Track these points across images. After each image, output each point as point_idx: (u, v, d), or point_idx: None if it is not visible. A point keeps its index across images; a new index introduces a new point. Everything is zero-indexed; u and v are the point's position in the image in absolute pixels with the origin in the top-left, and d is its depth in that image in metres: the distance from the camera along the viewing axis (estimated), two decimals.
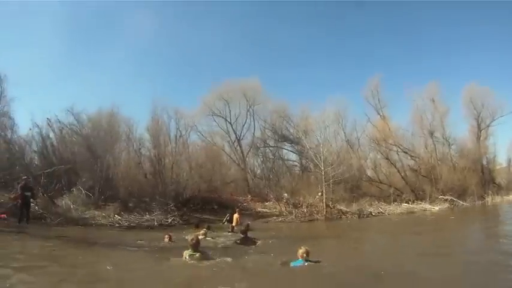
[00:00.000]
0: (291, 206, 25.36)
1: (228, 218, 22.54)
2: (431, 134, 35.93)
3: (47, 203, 19.62)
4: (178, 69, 64.27)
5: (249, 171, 36.54)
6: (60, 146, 26.10)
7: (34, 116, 25.58)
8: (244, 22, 69.19)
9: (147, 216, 21.42)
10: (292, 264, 8.62)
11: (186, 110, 33.60)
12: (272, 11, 69.77)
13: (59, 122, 25.97)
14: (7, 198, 17.96)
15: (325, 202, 24.83)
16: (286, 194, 27.05)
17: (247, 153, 37.67)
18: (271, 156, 37.31)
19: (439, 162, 34.90)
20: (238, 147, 37.69)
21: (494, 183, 38.21)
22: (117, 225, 19.50)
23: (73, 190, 21.79)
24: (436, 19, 60.72)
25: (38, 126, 25.20)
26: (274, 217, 24.81)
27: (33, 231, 14.60)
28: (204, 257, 9.14)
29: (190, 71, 64.50)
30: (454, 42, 60.66)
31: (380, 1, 64.74)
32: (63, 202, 20.44)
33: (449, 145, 36.87)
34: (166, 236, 14.12)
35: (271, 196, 28.69)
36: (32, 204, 17.01)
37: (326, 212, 24.43)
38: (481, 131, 37.89)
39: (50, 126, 25.66)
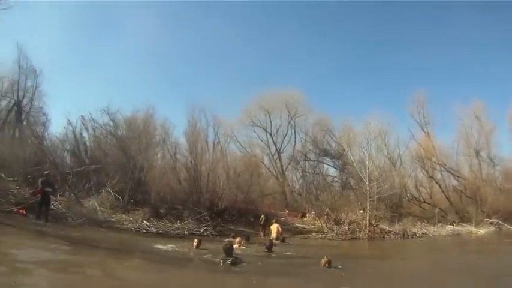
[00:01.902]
0: (332, 222, 23.75)
1: (262, 222, 21.75)
2: (477, 153, 33.28)
3: (72, 202, 18.41)
4: (217, 74, 62.75)
5: (288, 185, 34.63)
6: (93, 145, 25.27)
7: (68, 113, 24.89)
8: (288, 34, 66.74)
9: (178, 224, 19.87)
10: None
11: (224, 118, 31.90)
12: (315, 25, 67.94)
13: (93, 121, 25.09)
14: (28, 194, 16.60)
15: (369, 220, 22.95)
16: (328, 210, 25.29)
17: (287, 167, 35.90)
18: (311, 171, 35.25)
19: (484, 183, 32.06)
20: (277, 160, 36.01)
21: None
22: (144, 231, 17.99)
23: (101, 191, 20.53)
24: (481, 38, 57.08)
25: (71, 124, 24.28)
26: (314, 233, 23.14)
27: (47, 230, 13.37)
28: (237, 262, 9.38)
29: (230, 77, 62.84)
30: (499, 60, 56.30)
31: (425, 17, 62.43)
32: (90, 203, 19.19)
33: (494, 165, 33.96)
34: (196, 239, 13.19)
35: (312, 212, 27.19)
36: (52, 202, 15.76)
37: (369, 230, 22.67)
38: None
39: (84, 125, 24.81)
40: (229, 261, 9.30)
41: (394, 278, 10.20)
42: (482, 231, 26.21)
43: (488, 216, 28.43)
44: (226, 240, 14.18)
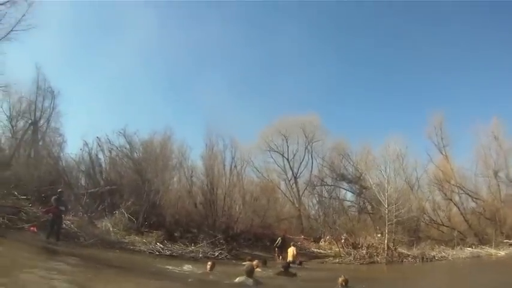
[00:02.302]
0: (349, 247, 23.43)
1: (278, 244, 21.51)
2: (496, 174, 32.12)
3: (85, 222, 18.12)
4: (235, 100, 62.78)
5: (304, 210, 33.96)
6: (108, 167, 25.15)
7: (85, 134, 24.93)
8: (306, 60, 66.91)
9: (192, 247, 19.47)
10: None
11: (241, 142, 31.50)
12: (332, 49, 67.87)
13: (109, 142, 25.03)
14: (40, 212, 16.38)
15: (387, 244, 22.52)
16: (345, 235, 25.06)
17: (303, 192, 35.30)
18: (327, 196, 34.58)
19: (502, 204, 30.84)
20: (294, 185, 35.46)
21: None
22: (157, 253, 17.58)
23: (115, 213, 20.28)
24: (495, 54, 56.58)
25: (87, 145, 24.25)
26: (331, 258, 22.89)
27: (58, 248, 13.09)
28: (257, 283, 9.32)
29: (247, 102, 62.67)
30: None
31: (437, 37, 61.01)
32: (103, 224, 18.98)
33: None
34: (210, 262, 12.58)
35: (329, 236, 26.86)
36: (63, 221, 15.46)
37: (387, 254, 22.19)
38: None
39: (100, 146, 24.80)
40: (251, 281, 9.13)
41: None
42: (502, 252, 25.51)
43: (508, 238, 27.66)
44: (246, 262, 13.78)
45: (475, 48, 57.57)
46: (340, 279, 9.88)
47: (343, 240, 24.29)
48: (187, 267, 13.50)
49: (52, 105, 25.03)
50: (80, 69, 51.52)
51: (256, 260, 14.72)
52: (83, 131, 26.06)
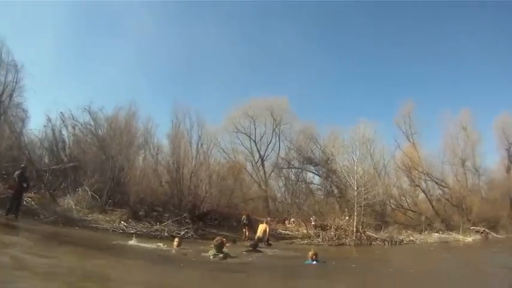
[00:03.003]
0: (318, 228, 23.71)
1: (244, 221, 21.59)
2: (463, 162, 33.63)
3: (47, 200, 17.53)
4: (202, 78, 62.31)
5: (271, 192, 34.05)
6: (72, 143, 24.36)
7: (48, 110, 24.21)
8: (277, 40, 66.80)
9: (158, 226, 19.15)
10: (305, 262, 10.67)
11: (208, 124, 30.92)
12: (305, 33, 68.06)
13: (73, 118, 24.21)
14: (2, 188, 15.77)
15: (356, 226, 22.77)
16: (314, 217, 25.37)
17: (270, 174, 35.41)
18: (294, 179, 34.75)
19: (469, 192, 32.39)
20: (261, 167, 35.49)
21: None
22: (120, 231, 17.19)
23: (78, 190, 19.79)
24: (469, 47, 58.29)
25: (50, 120, 23.48)
26: (299, 239, 22.91)
27: (18, 224, 12.76)
28: (227, 256, 9.84)
29: (214, 83, 62.20)
30: (487, 69, 57.71)
31: (411, 29, 64.63)
32: (65, 202, 18.50)
33: (479, 175, 34.51)
34: (177, 239, 13.00)
35: (292, 219, 27.42)
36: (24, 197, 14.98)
37: (356, 236, 22.47)
38: (511, 163, 35.14)
39: (63, 122, 23.95)
40: (220, 255, 9.62)
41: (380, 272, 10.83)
42: (469, 238, 26.59)
43: (474, 225, 28.90)
44: (217, 237, 13.76)
45: (449, 43, 60.11)
46: (310, 253, 10.59)
47: (313, 223, 24.65)
48: (152, 244, 13.38)
49: (15, 79, 23.82)
50: (46, 45, 49.10)
51: (225, 239, 14.65)
52: (47, 106, 24.73)
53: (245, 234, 21.16)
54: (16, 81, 23.74)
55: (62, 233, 13.11)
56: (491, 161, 37.58)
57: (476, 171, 34.20)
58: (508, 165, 35.21)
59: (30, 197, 16.38)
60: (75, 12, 52.89)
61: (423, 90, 59.53)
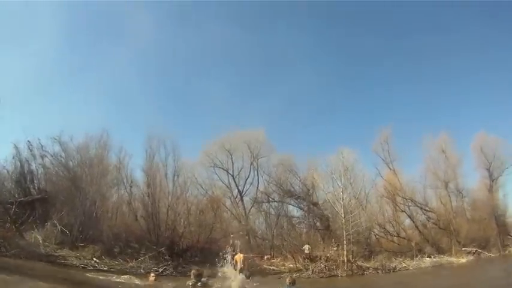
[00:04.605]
0: (306, 260, 22.91)
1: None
2: (446, 184, 33.54)
3: (11, 233, 16.00)
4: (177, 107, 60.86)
5: (251, 228, 32.79)
6: (41, 175, 22.95)
7: (16, 139, 22.85)
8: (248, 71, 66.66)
9: (133, 263, 17.83)
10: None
11: (185, 158, 29.60)
12: (277, 60, 68.08)
13: (42, 148, 22.86)
14: None
15: (346, 256, 22.32)
16: (308, 246, 24.53)
17: (250, 209, 34.18)
18: (274, 213, 33.65)
19: (454, 214, 32.43)
20: (240, 202, 34.26)
21: (509, 235, 35.07)
22: (91, 268, 15.80)
23: (47, 224, 18.40)
24: (444, 68, 59.92)
25: (18, 149, 22.09)
26: (286, 273, 21.19)
27: None
28: (205, 285, 9.84)
29: (190, 111, 60.64)
30: (464, 92, 58.93)
31: (388, 53, 63.97)
32: (33, 236, 17.16)
33: (462, 197, 34.65)
34: (152, 273, 13.00)
35: (285, 251, 25.81)
36: None
37: (347, 267, 21.85)
38: (493, 181, 35.46)
39: (31, 152, 22.48)
40: (198, 284, 9.47)
41: None
42: (463, 260, 26.77)
43: (465, 246, 28.87)
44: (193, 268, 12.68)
45: (424, 66, 60.81)
46: (287, 279, 10.53)
47: (307, 251, 23.93)
48: (124, 277, 12.20)
49: None
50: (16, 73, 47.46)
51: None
52: (16, 135, 23.39)
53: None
54: None
55: (27, 266, 11.73)
56: (473, 181, 37.85)
57: (459, 192, 34.37)
58: (490, 184, 35.48)
59: None
60: (48, 35, 51.55)
61: (401, 114, 59.34)
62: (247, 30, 66.26)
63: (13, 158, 22.33)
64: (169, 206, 23.52)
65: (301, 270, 22.09)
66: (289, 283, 10.37)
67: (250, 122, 54.43)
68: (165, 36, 62.61)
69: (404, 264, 24.70)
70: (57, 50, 54.33)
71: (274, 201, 33.81)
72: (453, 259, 26.74)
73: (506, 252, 30.94)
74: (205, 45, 64.46)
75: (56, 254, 16.24)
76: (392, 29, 64.84)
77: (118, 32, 59.09)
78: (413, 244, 28.87)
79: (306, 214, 32.99)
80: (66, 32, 52.47)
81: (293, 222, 33.34)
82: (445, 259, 26.73)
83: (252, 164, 35.37)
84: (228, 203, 34.04)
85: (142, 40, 60.33)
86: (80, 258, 16.58)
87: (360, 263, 23.21)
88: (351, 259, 22.50)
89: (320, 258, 22.57)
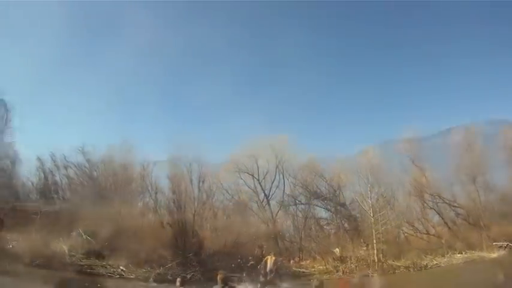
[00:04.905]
0: (337, 261, 23.04)
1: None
2: (474, 179, 32.19)
3: (37, 243, 16.21)
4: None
5: (279, 231, 32.45)
6: (65, 185, 23.25)
7: (41, 151, 23.55)
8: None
9: (161, 270, 18.00)
10: None
11: (211, 165, 29.74)
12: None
13: (65, 159, 23.32)
14: None
15: (376, 255, 22.42)
16: (337, 249, 24.67)
17: (277, 213, 33.82)
18: (301, 215, 33.30)
19: (483, 209, 31.06)
20: (266, 206, 33.95)
21: None
22: (117, 276, 15.81)
23: (73, 234, 18.44)
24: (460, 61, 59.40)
25: (41, 161, 22.31)
26: (316, 275, 21.37)
27: None
28: None
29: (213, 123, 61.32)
30: (491, 83, 58.02)
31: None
32: (59, 245, 17.37)
33: (490, 190, 32.61)
34: (179, 278, 12.05)
35: (314, 253, 26.27)
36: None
37: (378, 266, 21.98)
38: None
39: (55, 163, 22.62)
40: None
41: None
42: (494, 254, 26.11)
43: (496, 241, 27.98)
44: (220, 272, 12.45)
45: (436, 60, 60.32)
46: (313, 282, 10.40)
47: (338, 254, 24.00)
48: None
49: (5, 119, 22.82)
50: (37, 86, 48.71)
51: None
52: (41, 147, 23.74)
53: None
54: (6, 121, 22.89)
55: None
56: (502, 175, 36.83)
57: (487, 186, 32.83)
58: None
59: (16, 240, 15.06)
60: (61, 46, 52.81)
61: (425, 111, 58.91)
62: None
63: (37, 169, 22.74)
64: (195, 212, 23.48)
65: (331, 271, 22.02)
66: (315, 287, 10.01)
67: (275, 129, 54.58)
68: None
69: (435, 262, 24.57)
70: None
71: (301, 204, 33.45)
72: (484, 254, 26.12)
73: None
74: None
75: (82, 263, 16.11)
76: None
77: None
78: (443, 241, 28.33)
79: (334, 215, 32.56)
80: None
81: (321, 223, 32.94)
82: (476, 254, 26.17)
83: (277, 167, 35.09)
84: (254, 207, 33.87)
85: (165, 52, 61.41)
86: (106, 267, 16.61)
87: (390, 261, 23.03)
88: (381, 258, 22.45)
89: (350, 259, 22.53)
